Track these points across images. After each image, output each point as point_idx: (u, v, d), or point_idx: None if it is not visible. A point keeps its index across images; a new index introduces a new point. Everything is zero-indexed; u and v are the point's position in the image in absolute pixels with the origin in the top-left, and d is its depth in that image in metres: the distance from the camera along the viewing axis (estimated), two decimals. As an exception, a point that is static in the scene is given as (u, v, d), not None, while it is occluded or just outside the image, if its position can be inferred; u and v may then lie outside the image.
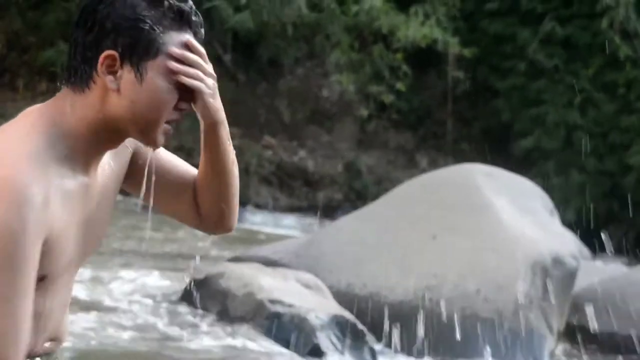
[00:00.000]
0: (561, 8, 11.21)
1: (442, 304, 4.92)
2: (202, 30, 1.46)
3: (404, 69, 10.82)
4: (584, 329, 5.26)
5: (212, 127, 1.52)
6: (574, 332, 5.26)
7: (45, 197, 1.35)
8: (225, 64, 11.00)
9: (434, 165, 10.52)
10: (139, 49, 1.38)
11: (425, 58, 11.24)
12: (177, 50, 1.42)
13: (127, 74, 1.38)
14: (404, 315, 4.97)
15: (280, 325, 4.64)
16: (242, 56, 11.12)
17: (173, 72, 1.40)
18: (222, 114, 1.52)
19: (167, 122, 1.43)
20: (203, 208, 1.59)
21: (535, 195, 5.96)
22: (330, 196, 10.68)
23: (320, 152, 11.03)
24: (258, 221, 9.53)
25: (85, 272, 5.14)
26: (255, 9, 10.29)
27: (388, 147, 11.39)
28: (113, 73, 1.39)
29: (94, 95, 1.41)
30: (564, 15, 11.17)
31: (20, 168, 1.33)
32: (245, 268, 5.07)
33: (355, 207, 8.39)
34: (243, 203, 10.19)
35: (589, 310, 5.14)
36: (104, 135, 1.42)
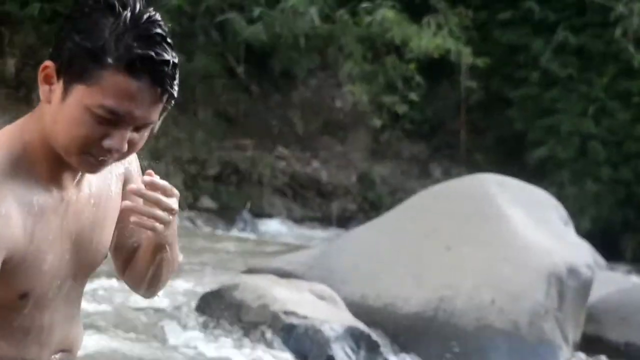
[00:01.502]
0: (574, 17, 11.19)
1: (457, 315, 4.91)
2: (173, 85, 1.30)
3: (417, 79, 10.83)
4: (600, 339, 5.23)
5: (159, 247, 1.46)
6: (589, 343, 5.23)
7: (6, 216, 1.31)
8: (239, 76, 11.03)
9: (447, 175, 10.50)
10: (74, 69, 1.31)
11: (438, 68, 11.24)
12: (134, 187, 1.37)
13: (58, 90, 1.33)
14: (418, 327, 4.96)
15: (295, 337, 4.63)
16: (255, 68, 11.15)
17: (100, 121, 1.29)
18: (172, 238, 1.46)
19: (92, 155, 1.33)
20: (127, 279, 1.58)
21: (550, 205, 5.94)
22: (343, 207, 10.67)
23: (333, 163, 11.03)
24: (272, 232, 9.53)
25: (99, 281, 5.15)
26: (268, 21, 10.32)
27: (401, 158, 11.38)
28: (50, 83, 1.34)
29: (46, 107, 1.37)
30: (577, 25, 11.14)
31: None
32: (259, 279, 5.08)
33: (369, 217, 8.38)
34: (257, 214, 10.21)
35: (605, 320, 5.11)
36: (52, 149, 1.36)
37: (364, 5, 10.57)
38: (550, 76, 11.00)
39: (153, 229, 1.39)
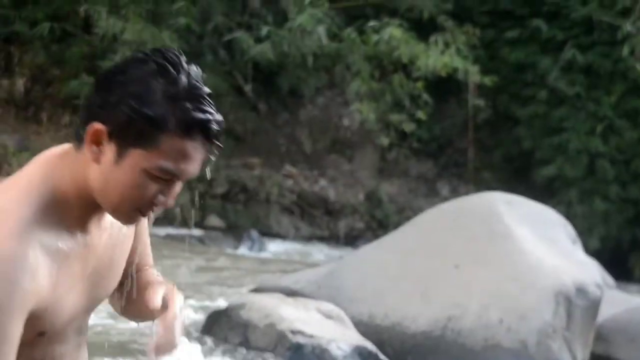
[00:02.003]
0: (582, 36, 11.20)
1: (465, 334, 4.89)
2: (219, 139, 1.34)
3: (425, 97, 10.84)
4: (609, 359, 5.19)
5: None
6: (598, 363, 5.20)
7: (34, 268, 1.32)
8: (246, 94, 11.07)
9: (455, 193, 10.48)
10: (130, 135, 1.31)
11: (445, 87, 11.26)
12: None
13: (109, 151, 1.33)
14: (426, 346, 4.93)
15: (302, 356, 4.61)
16: (262, 86, 11.19)
17: (158, 171, 1.32)
18: None
19: (140, 211, 1.36)
20: (126, 314, 1.62)
21: (558, 223, 5.92)
22: (351, 225, 10.66)
23: (341, 181, 11.04)
24: (279, 251, 9.53)
25: (101, 305, 5.14)
26: (275, 40, 10.36)
27: (409, 176, 11.37)
28: (98, 144, 1.33)
29: (83, 157, 1.36)
30: (584, 43, 11.15)
31: (10, 241, 1.31)
32: (266, 298, 5.07)
33: (376, 236, 8.37)
34: (264, 233, 10.20)
35: (613, 339, 5.08)
36: (88, 199, 1.37)
37: (372, 24, 10.61)
38: (558, 94, 11.00)
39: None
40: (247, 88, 11.10)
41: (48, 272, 1.35)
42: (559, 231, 5.81)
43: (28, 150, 10.20)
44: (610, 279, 6.75)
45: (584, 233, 6.79)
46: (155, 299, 1.47)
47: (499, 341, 4.87)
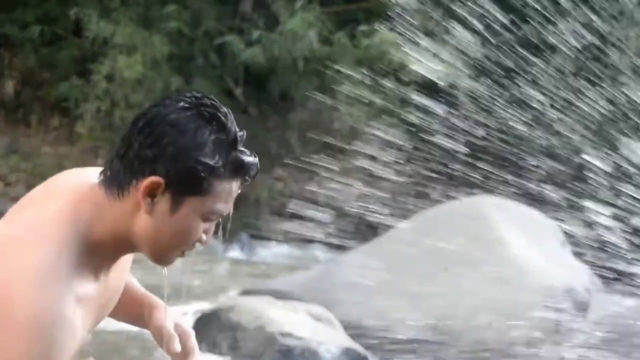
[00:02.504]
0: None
1: (454, 337, 4.90)
2: (254, 177, 1.43)
3: (415, 101, 10.86)
4: None
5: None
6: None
7: (73, 326, 1.34)
8: (237, 98, 11.07)
9: (445, 197, 10.50)
10: (186, 186, 1.35)
11: (436, 91, 11.28)
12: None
13: (164, 202, 1.36)
14: (415, 348, 4.94)
15: (291, 359, 4.62)
16: (253, 90, 11.19)
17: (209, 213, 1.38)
18: None
19: (184, 252, 1.42)
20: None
21: (547, 227, 5.95)
22: (341, 228, 10.67)
23: (331, 185, 11.05)
24: (269, 253, 9.52)
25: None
26: (266, 44, 10.37)
27: (399, 179, 11.39)
28: (152, 197, 1.36)
29: (125, 206, 1.38)
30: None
31: (52, 303, 1.31)
32: (255, 301, 5.07)
33: (366, 239, 8.37)
34: (254, 235, 10.19)
35: (602, 342, 5.09)
36: (123, 244, 1.41)
37: (362, 28, 10.63)
38: (548, 98, 11.04)
39: None
40: (238, 91, 11.10)
41: (82, 323, 1.37)
42: (548, 235, 5.84)
43: (17, 153, 10.17)
44: (598, 282, 6.77)
45: (573, 236, 6.81)
46: (175, 344, 1.56)
47: (488, 344, 4.89)
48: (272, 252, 9.57)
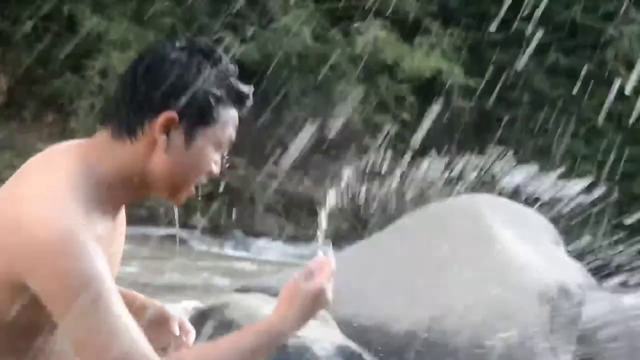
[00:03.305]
0: (565, 39, 11.28)
1: (449, 335, 4.91)
2: (250, 106, 1.56)
3: (409, 99, 10.88)
4: (592, 360, 5.23)
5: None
6: (581, 363, 5.23)
7: (98, 251, 1.39)
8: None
9: (439, 194, 10.51)
10: (197, 117, 1.45)
11: (430, 88, 11.30)
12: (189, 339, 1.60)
13: (178, 137, 1.45)
14: (410, 346, 4.95)
15: (285, 356, 4.61)
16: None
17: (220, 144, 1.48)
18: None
19: (196, 185, 1.51)
20: None
21: (541, 224, 5.95)
22: (336, 225, 10.68)
23: (325, 182, 11.06)
24: (263, 251, 9.53)
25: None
26: (260, 41, 10.37)
27: (394, 177, 11.40)
28: (167, 133, 1.43)
29: (139, 148, 1.44)
30: (568, 46, 11.23)
31: (70, 221, 1.36)
32: (250, 298, 5.06)
33: (361, 236, 8.37)
34: (248, 232, 10.19)
35: (596, 340, 5.11)
36: (135, 185, 1.46)
37: (357, 25, 10.63)
38: (541, 97, 11.07)
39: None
40: (232, 88, 11.09)
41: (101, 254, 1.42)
42: (542, 233, 5.85)
43: (11, 149, 10.15)
44: (593, 280, 6.79)
45: (568, 234, 6.84)
46: (174, 326, 1.64)
47: (482, 342, 4.89)
48: (267, 249, 9.58)
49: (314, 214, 11.04)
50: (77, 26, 10.23)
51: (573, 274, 5.53)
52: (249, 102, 1.54)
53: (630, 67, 10.75)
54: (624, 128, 10.78)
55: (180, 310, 5.24)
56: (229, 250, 9.24)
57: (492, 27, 11.25)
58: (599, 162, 10.59)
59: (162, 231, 9.36)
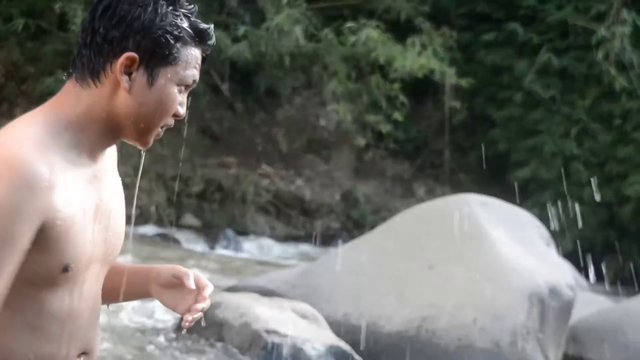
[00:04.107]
0: (557, 39, 11.30)
1: (439, 334, 4.91)
2: (212, 45, 1.54)
3: (401, 98, 10.87)
4: (581, 360, 5.24)
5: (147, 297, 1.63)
6: (571, 363, 5.24)
7: (49, 179, 1.38)
8: (223, 93, 11.04)
9: (431, 194, 10.52)
10: (158, 56, 1.44)
11: (422, 88, 11.30)
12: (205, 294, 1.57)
13: (140, 77, 1.44)
14: (400, 346, 4.95)
15: (277, 356, 4.61)
16: (239, 85, 11.17)
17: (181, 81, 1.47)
18: None
19: (162, 127, 1.49)
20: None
21: (532, 225, 5.97)
22: (327, 225, 10.67)
23: (317, 181, 11.05)
24: (255, 250, 9.51)
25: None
26: (252, 40, 10.35)
27: (385, 177, 11.41)
28: (128, 74, 1.43)
29: (103, 91, 1.45)
30: (559, 47, 11.25)
31: (23, 150, 1.37)
32: (241, 298, 5.06)
33: (352, 236, 8.37)
34: (240, 232, 10.18)
35: (586, 340, 5.12)
36: (104, 129, 1.46)
37: (349, 24, 10.62)
38: (533, 97, 11.08)
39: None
40: (224, 87, 11.07)
41: (63, 188, 1.40)
42: (533, 233, 5.86)
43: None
44: (583, 281, 6.81)
45: (558, 235, 6.85)
46: (190, 281, 1.58)
47: (473, 341, 4.90)
48: (258, 248, 9.56)
49: (305, 213, 11.04)
50: (69, 24, 10.20)
51: (563, 274, 5.55)
52: (210, 40, 1.50)
53: (621, 68, 10.78)
54: (615, 129, 10.80)
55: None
56: (219, 249, 9.23)
57: (484, 28, 11.28)
58: (589, 162, 10.61)
59: (153, 230, 9.33)
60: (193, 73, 1.49)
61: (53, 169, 1.39)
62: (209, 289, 1.58)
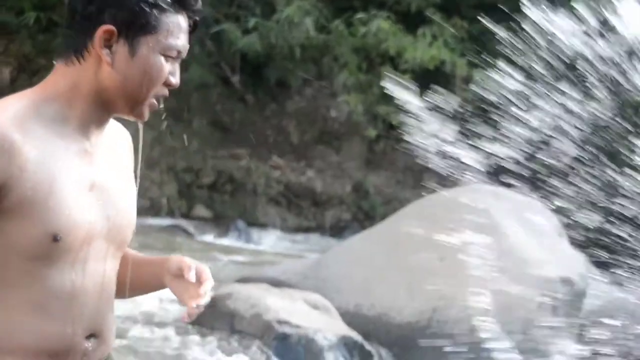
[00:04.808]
0: (568, 29, 11.24)
1: (451, 325, 4.91)
2: (198, 10, 1.51)
3: (412, 90, 10.84)
4: (594, 350, 5.22)
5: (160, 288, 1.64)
6: (584, 353, 5.23)
7: (19, 143, 1.39)
8: (234, 85, 11.05)
9: (442, 185, 10.50)
10: (136, 26, 1.44)
11: (433, 79, 11.26)
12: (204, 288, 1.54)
13: (121, 49, 1.44)
14: (412, 336, 4.96)
15: (288, 346, 4.63)
16: (250, 77, 11.17)
17: (166, 50, 1.46)
18: None
19: (155, 97, 1.48)
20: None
21: (544, 215, 5.95)
22: (338, 216, 10.67)
23: (328, 173, 11.04)
24: (266, 241, 9.53)
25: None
26: (263, 31, 10.34)
27: (396, 167, 11.39)
28: (109, 47, 1.44)
29: (87, 67, 1.46)
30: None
31: (0, 117, 1.40)
32: (252, 289, 5.08)
33: (363, 227, 8.37)
34: (251, 223, 10.19)
35: (598, 330, 5.11)
36: (94, 105, 1.46)
37: (359, 16, 10.61)
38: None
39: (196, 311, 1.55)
40: (235, 79, 11.08)
41: (39, 155, 1.41)
42: (545, 223, 5.84)
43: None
44: (595, 271, 6.79)
45: (571, 225, 6.83)
46: (191, 273, 1.57)
47: (484, 332, 4.90)
48: (269, 239, 9.58)
49: (316, 204, 11.04)
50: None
51: (575, 265, 5.54)
52: (193, 5, 1.48)
53: None
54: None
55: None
56: (231, 240, 9.24)
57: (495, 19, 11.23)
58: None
59: (164, 221, 9.36)
60: (176, 41, 1.47)
61: (27, 136, 1.40)
62: (208, 284, 1.57)
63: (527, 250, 5.30)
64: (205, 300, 1.54)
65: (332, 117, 11.45)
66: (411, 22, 10.77)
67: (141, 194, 1.62)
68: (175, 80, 1.49)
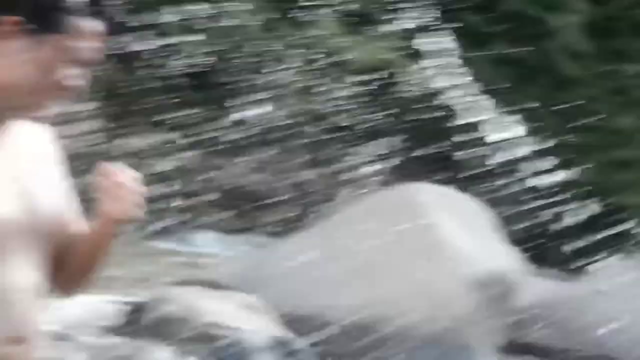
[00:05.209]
0: (509, 29, 11.39)
1: (387, 323, 4.93)
2: (112, 16, 1.49)
3: (358, 89, 10.90)
4: (526, 345, 5.29)
5: (113, 236, 1.61)
6: (515, 349, 5.29)
7: None
8: (181, 89, 10.96)
9: (384, 184, 10.54)
10: (43, 22, 1.40)
11: (379, 79, 11.31)
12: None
13: (21, 44, 1.41)
14: (349, 336, 4.96)
15: (223, 349, 4.60)
16: (197, 80, 11.10)
17: (68, 53, 1.43)
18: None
19: (53, 99, 1.45)
20: (61, 277, 1.58)
21: (479, 213, 6.01)
22: (277, 216, 10.66)
23: (268, 172, 11.03)
24: (205, 243, 9.45)
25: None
26: (210, 33, 10.31)
27: (337, 167, 11.41)
28: (10, 39, 1.40)
29: None
30: (512, 36, 11.34)
31: None
32: (187, 292, 5.04)
33: (304, 227, 8.36)
34: (188, 225, 10.11)
35: (531, 325, 5.18)
36: None
37: (306, 16, 10.62)
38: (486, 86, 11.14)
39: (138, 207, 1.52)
40: (183, 82, 11.00)
41: None
42: (480, 220, 5.90)
43: None
44: (528, 266, 6.87)
45: (505, 221, 6.91)
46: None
47: (418, 329, 4.93)
48: (208, 241, 9.50)
49: (255, 205, 10.99)
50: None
51: (508, 261, 5.60)
52: (105, 13, 1.46)
53: (574, 56, 10.88)
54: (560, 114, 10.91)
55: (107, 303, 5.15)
56: (166, 243, 9.15)
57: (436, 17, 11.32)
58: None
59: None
60: (86, 46, 1.44)
61: None
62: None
63: (461, 247, 5.34)
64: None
65: (276, 117, 11.43)
66: (357, 22, 10.81)
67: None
68: (76, 83, 1.45)
